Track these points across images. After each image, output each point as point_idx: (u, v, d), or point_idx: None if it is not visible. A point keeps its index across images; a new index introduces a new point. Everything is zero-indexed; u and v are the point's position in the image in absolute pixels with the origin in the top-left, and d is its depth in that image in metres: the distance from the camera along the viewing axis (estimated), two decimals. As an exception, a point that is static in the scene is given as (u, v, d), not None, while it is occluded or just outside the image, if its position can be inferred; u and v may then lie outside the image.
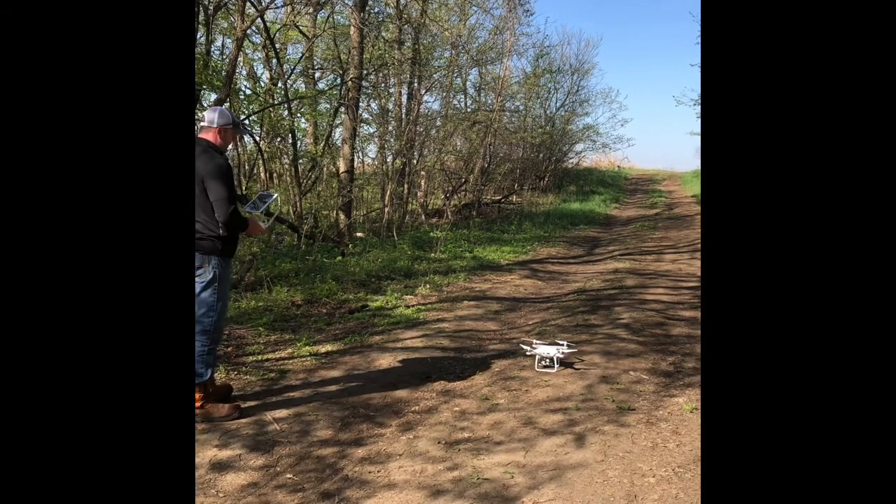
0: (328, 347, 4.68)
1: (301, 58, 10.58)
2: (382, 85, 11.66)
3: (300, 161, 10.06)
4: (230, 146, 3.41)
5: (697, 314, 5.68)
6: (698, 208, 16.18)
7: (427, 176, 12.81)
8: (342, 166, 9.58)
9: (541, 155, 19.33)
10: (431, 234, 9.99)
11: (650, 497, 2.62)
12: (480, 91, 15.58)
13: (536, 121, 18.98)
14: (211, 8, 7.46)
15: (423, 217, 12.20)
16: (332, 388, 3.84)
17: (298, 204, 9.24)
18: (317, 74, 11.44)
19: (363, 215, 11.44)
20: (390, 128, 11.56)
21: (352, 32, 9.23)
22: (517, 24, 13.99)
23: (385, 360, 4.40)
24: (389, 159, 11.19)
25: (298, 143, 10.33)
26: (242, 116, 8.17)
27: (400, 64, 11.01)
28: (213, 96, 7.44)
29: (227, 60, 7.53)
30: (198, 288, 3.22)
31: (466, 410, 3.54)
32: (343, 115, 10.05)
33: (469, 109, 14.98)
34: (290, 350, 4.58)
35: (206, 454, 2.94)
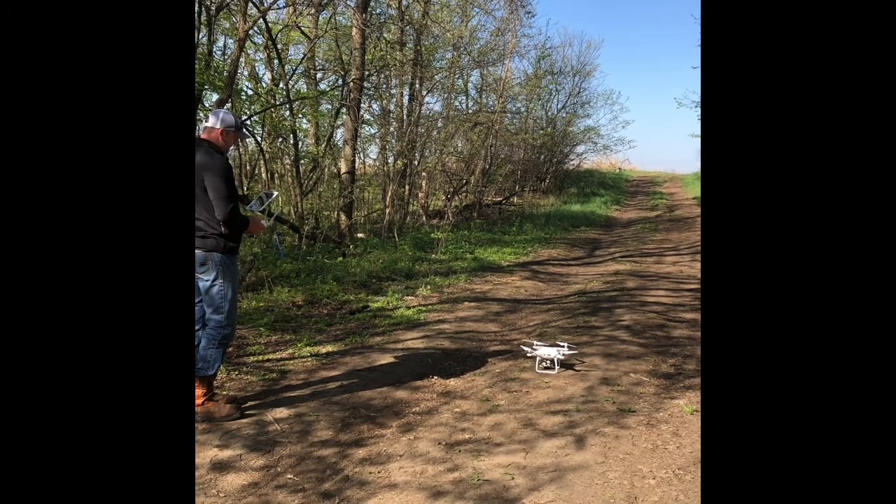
0: (329, 348, 4.68)
1: (303, 58, 10.59)
2: (384, 86, 11.68)
3: (301, 162, 10.07)
4: (231, 148, 3.43)
5: (698, 316, 5.68)
6: (699, 210, 16.18)
7: (428, 177, 12.82)
8: (343, 167, 9.59)
9: (542, 156, 19.33)
10: (432, 235, 10.00)
11: (650, 499, 2.62)
12: (482, 92, 15.60)
13: (538, 122, 18.99)
14: (213, 8, 7.47)
15: (424, 218, 12.20)
16: (333, 388, 3.85)
17: (300, 204, 9.25)
18: (318, 75, 11.45)
19: (364, 216, 11.45)
20: (392, 129, 11.58)
21: (353, 33, 9.24)
22: (519, 26, 14.00)
23: (386, 361, 4.40)
24: (391, 160, 11.19)
25: (300, 143, 10.35)
26: (244, 117, 8.17)
27: (401, 65, 11.02)
28: (215, 96, 7.45)
29: (229, 61, 7.54)
30: (204, 285, 3.23)
31: (467, 412, 3.54)
32: (344, 116, 10.06)
33: (470, 111, 15.00)
34: (290, 350, 4.58)
35: (206, 454, 2.94)
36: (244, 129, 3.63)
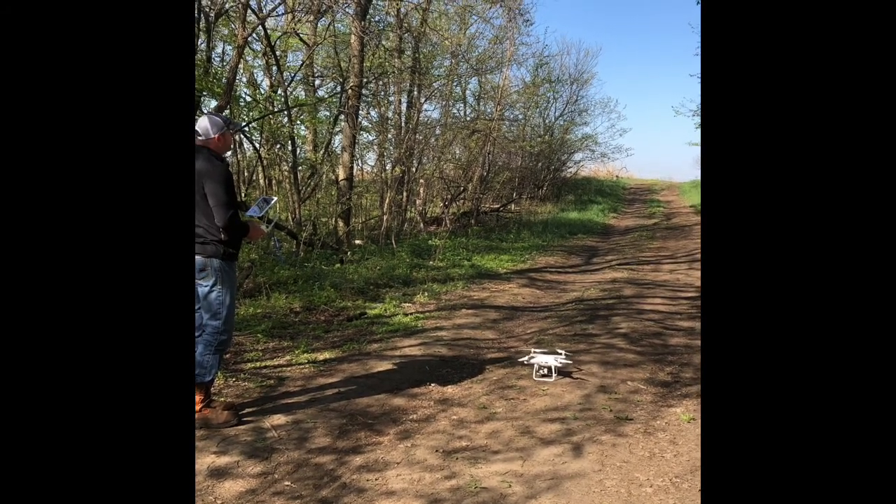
0: (326, 355, 4.68)
1: (301, 65, 10.62)
2: (382, 93, 11.71)
3: (300, 168, 10.08)
4: (230, 150, 3.41)
5: (695, 324, 5.69)
6: (696, 218, 16.23)
7: (426, 184, 12.84)
8: (341, 174, 9.61)
9: (539, 164, 19.38)
10: (430, 242, 10.01)
11: (647, 507, 2.62)
12: (480, 100, 15.64)
13: (535, 130, 19.04)
14: (212, 15, 7.50)
15: (421, 225, 12.22)
16: (330, 395, 3.84)
17: (297, 211, 9.26)
18: (317, 82, 11.48)
19: (362, 223, 11.45)
20: (390, 136, 11.60)
21: (352, 41, 9.28)
22: (517, 34, 14.02)
23: (383, 368, 4.40)
24: (388, 167, 11.22)
25: (298, 150, 10.35)
26: (243, 123, 8.19)
27: (400, 72, 11.06)
28: (214, 103, 7.47)
29: (228, 67, 7.56)
30: (203, 291, 3.23)
31: (464, 419, 3.54)
32: (343, 123, 10.09)
33: (468, 118, 15.02)
34: (288, 357, 4.58)
35: (204, 461, 2.93)
36: (233, 123, 3.56)
